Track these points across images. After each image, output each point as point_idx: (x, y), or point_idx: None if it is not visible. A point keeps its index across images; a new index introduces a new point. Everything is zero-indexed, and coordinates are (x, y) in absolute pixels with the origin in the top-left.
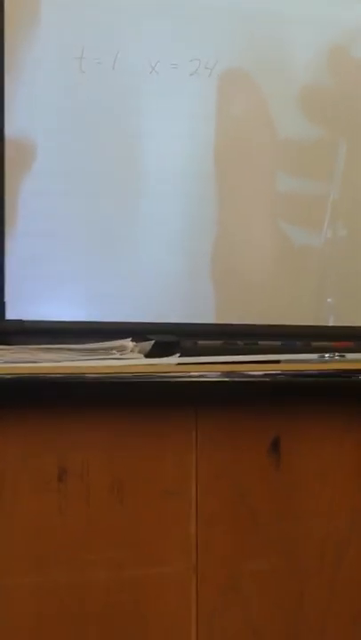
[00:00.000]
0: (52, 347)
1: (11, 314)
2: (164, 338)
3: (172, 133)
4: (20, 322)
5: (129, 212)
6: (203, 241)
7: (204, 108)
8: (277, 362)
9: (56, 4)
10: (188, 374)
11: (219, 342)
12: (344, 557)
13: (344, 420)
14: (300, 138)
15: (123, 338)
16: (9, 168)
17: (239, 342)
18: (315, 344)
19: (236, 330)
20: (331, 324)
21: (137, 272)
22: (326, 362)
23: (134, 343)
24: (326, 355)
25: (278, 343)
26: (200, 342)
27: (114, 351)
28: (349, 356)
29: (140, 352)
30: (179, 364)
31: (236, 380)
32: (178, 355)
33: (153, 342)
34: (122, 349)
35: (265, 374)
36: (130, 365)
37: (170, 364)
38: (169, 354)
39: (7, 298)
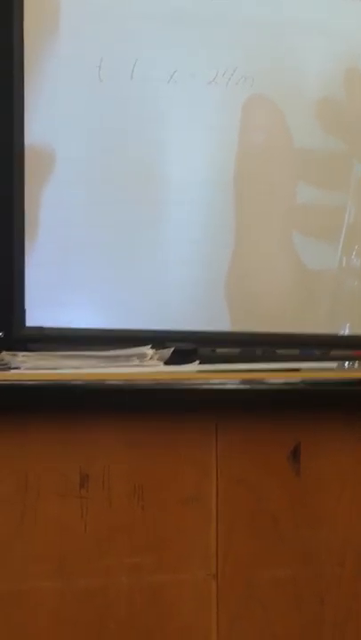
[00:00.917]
0: (72, 353)
1: (30, 321)
2: (183, 345)
3: (190, 142)
4: (41, 329)
5: (147, 221)
6: (221, 249)
7: (222, 117)
8: (297, 370)
9: (75, 14)
10: (209, 382)
11: (237, 350)
12: None
13: None
14: (317, 148)
15: (142, 345)
16: (29, 177)
17: (257, 350)
18: (333, 352)
19: (254, 338)
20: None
21: (156, 279)
22: (346, 370)
23: (154, 350)
24: (346, 363)
25: (296, 351)
26: (218, 350)
27: (134, 358)
28: None
29: (159, 359)
30: (199, 371)
31: (257, 387)
32: (197, 362)
33: (172, 350)
34: (142, 357)
35: (285, 382)
36: (150, 372)
37: (190, 371)
38: (187, 361)
39: (27, 305)
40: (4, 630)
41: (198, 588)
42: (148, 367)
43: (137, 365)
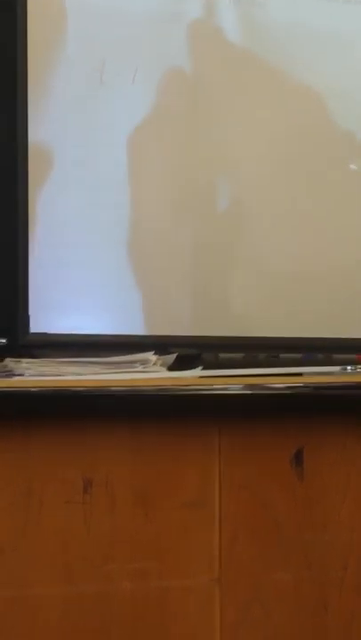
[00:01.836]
0: (76, 360)
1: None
2: (186, 351)
3: (191, 145)
4: (45, 335)
5: (150, 224)
6: (223, 253)
7: (222, 120)
8: (300, 374)
9: (79, 18)
10: (211, 387)
11: (240, 355)
12: None
13: None
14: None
15: (145, 351)
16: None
17: (260, 355)
18: (336, 356)
19: (257, 342)
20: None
21: (157, 284)
22: (349, 374)
23: (157, 356)
24: (349, 367)
25: (299, 356)
26: (221, 355)
27: (137, 364)
28: None
29: (162, 365)
30: (201, 376)
31: (259, 392)
32: (200, 367)
33: (175, 355)
34: (145, 362)
35: (288, 387)
36: (153, 378)
37: (193, 376)
38: (191, 366)
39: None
40: (8, 636)
41: (202, 593)
42: (151, 373)
43: (140, 371)
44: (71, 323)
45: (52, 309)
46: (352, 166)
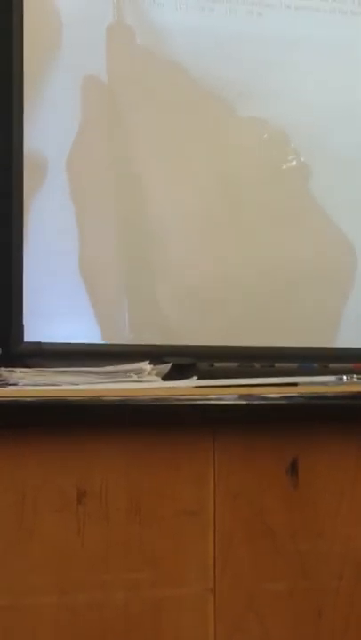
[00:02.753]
0: (70, 369)
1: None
2: (181, 360)
3: (188, 155)
4: (38, 344)
5: (142, 232)
6: (219, 261)
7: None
8: (295, 384)
9: (75, 26)
10: (206, 397)
11: (235, 364)
12: None
13: None
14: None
15: (140, 360)
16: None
17: (256, 364)
18: (332, 366)
19: (253, 352)
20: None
21: (153, 293)
22: (344, 384)
23: (152, 366)
24: (344, 377)
25: (295, 365)
26: (216, 364)
27: (132, 374)
28: None
29: (157, 375)
30: (196, 386)
31: (254, 402)
32: (195, 377)
33: (170, 365)
34: (140, 372)
35: (283, 397)
36: (148, 388)
37: (187, 386)
38: (186, 376)
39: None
40: None
41: (196, 602)
42: (145, 383)
43: (135, 381)
44: (65, 332)
45: (47, 319)
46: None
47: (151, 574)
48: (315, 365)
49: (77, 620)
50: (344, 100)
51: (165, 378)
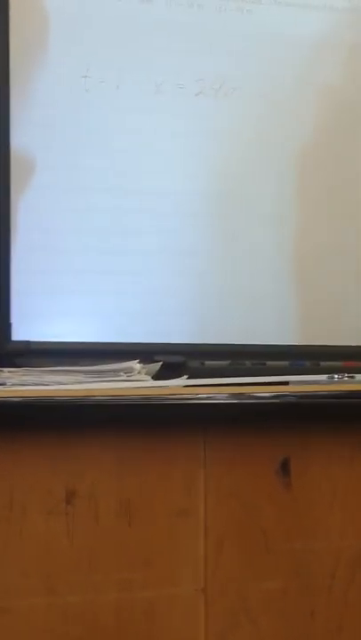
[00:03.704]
0: (59, 369)
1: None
2: (172, 358)
3: (176, 152)
4: (27, 343)
5: (134, 231)
6: (208, 259)
7: (209, 128)
8: (286, 383)
9: (63, 23)
10: (196, 396)
11: (226, 363)
12: (355, 577)
13: (353, 441)
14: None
15: (130, 359)
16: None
17: (247, 362)
18: (323, 364)
19: (244, 350)
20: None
21: (142, 291)
22: (335, 383)
23: (142, 365)
24: (336, 376)
25: (286, 363)
26: (207, 363)
27: (121, 373)
28: (359, 376)
29: (147, 374)
30: (186, 385)
31: (245, 401)
32: (185, 376)
33: (160, 364)
34: (129, 371)
35: (274, 396)
36: (138, 388)
37: (178, 386)
38: (176, 374)
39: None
40: None
41: (187, 602)
42: (135, 382)
43: (124, 380)
44: (54, 330)
45: (35, 317)
46: None
47: (142, 575)
48: (306, 363)
49: (68, 621)
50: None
51: (156, 377)
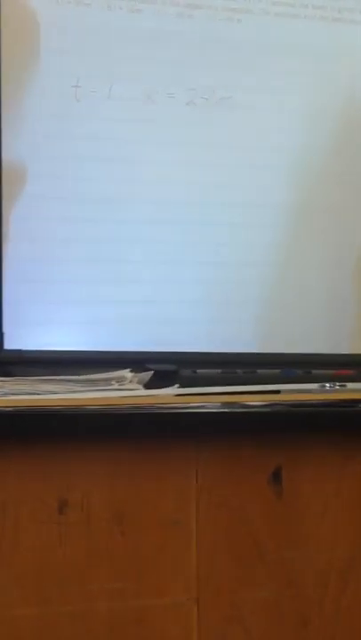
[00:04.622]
0: (51, 378)
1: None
2: (163, 367)
3: (168, 161)
4: (19, 352)
5: (125, 239)
6: (201, 267)
7: (200, 137)
8: (278, 392)
9: (53, 33)
10: (188, 405)
11: (218, 371)
12: (347, 586)
13: (345, 449)
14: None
15: (122, 367)
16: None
17: (238, 371)
18: (315, 372)
19: (235, 358)
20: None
21: (133, 299)
22: (327, 392)
23: (133, 374)
24: (327, 384)
25: (278, 371)
26: (199, 371)
27: (113, 382)
28: (350, 385)
29: (139, 382)
30: (178, 394)
31: (237, 410)
32: (177, 385)
33: (152, 373)
34: (121, 380)
35: (265, 405)
36: (129, 397)
37: (169, 395)
38: (168, 383)
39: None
40: None
41: (180, 612)
42: (127, 391)
43: (116, 389)
44: (46, 339)
45: (27, 326)
46: None
47: (134, 584)
48: (297, 372)
49: (60, 631)
50: (323, 106)
51: (147, 385)
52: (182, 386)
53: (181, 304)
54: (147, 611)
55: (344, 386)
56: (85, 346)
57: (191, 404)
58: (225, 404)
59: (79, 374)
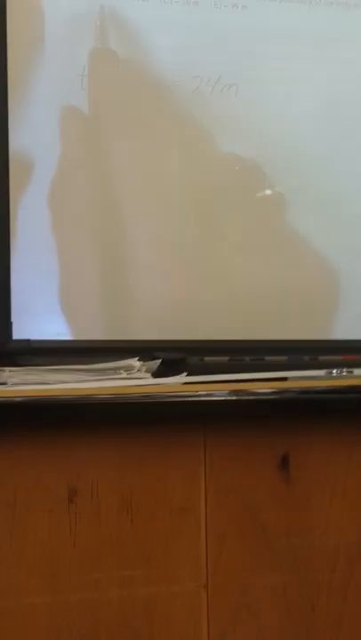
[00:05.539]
0: (59, 367)
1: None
2: (171, 355)
3: (173, 151)
4: (27, 342)
5: (132, 229)
6: (206, 257)
7: (205, 126)
8: (285, 379)
9: (58, 22)
10: (196, 393)
11: (225, 359)
12: (355, 571)
13: (352, 435)
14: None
15: (130, 356)
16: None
17: (246, 358)
18: (322, 358)
19: (243, 345)
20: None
21: (141, 288)
22: (334, 378)
23: (141, 362)
24: (334, 370)
25: (285, 358)
26: (206, 359)
27: (121, 371)
28: (357, 371)
29: (147, 371)
30: (186, 382)
31: (244, 398)
32: (185, 373)
33: (160, 361)
34: (129, 369)
35: (273, 392)
36: (137, 386)
37: (177, 383)
38: (176, 371)
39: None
40: None
41: (189, 599)
42: (135, 380)
43: (124, 378)
44: (54, 329)
45: (35, 315)
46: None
47: (144, 572)
48: (305, 358)
49: (71, 619)
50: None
51: (155, 373)
52: (190, 374)
53: (189, 292)
54: (156, 598)
55: (351, 372)
56: (93, 335)
57: (199, 392)
58: (233, 392)
59: (87, 363)
